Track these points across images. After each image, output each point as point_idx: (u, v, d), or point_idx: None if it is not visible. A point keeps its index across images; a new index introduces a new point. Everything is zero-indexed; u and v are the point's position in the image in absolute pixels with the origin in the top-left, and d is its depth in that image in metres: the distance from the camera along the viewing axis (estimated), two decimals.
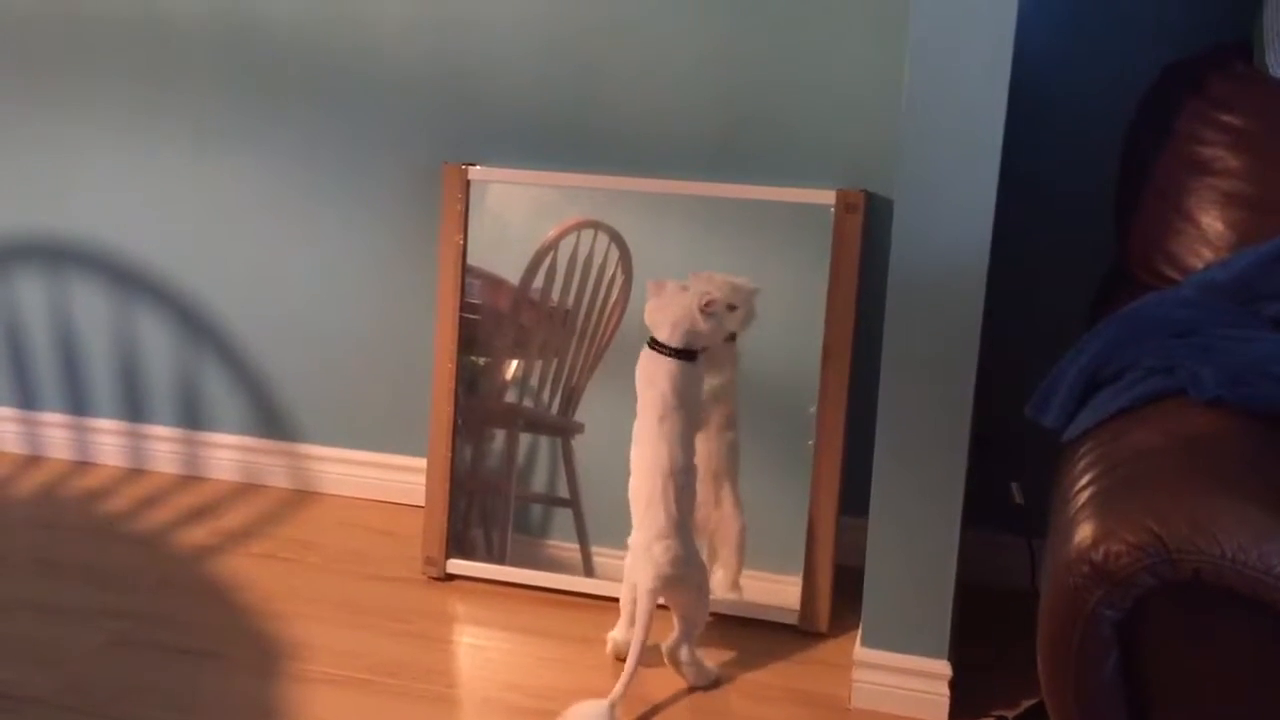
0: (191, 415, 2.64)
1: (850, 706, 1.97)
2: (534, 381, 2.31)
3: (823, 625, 2.13)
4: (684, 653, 1.98)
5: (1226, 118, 1.69)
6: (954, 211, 1.69)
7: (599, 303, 2.27)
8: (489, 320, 2.31)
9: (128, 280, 2.59)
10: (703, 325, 1.96)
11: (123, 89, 2.50)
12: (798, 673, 2.06)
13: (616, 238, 2.24)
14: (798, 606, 2.14)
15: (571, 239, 2.26)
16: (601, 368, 2.26)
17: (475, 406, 2.32)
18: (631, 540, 1.98)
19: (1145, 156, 1.77)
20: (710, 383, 2.09)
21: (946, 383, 1.78)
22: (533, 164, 2.28)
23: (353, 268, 2.47)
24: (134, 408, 2.67)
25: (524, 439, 2.32)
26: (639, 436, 1.97)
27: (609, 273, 2.25)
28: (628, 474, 1.99)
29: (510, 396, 2.33)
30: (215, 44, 2.42)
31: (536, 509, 2.34)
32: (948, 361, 1.77)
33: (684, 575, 1.94)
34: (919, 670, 1.92)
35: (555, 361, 2.30)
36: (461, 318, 2.29)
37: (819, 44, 2.12)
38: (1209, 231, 1.66)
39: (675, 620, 1.98)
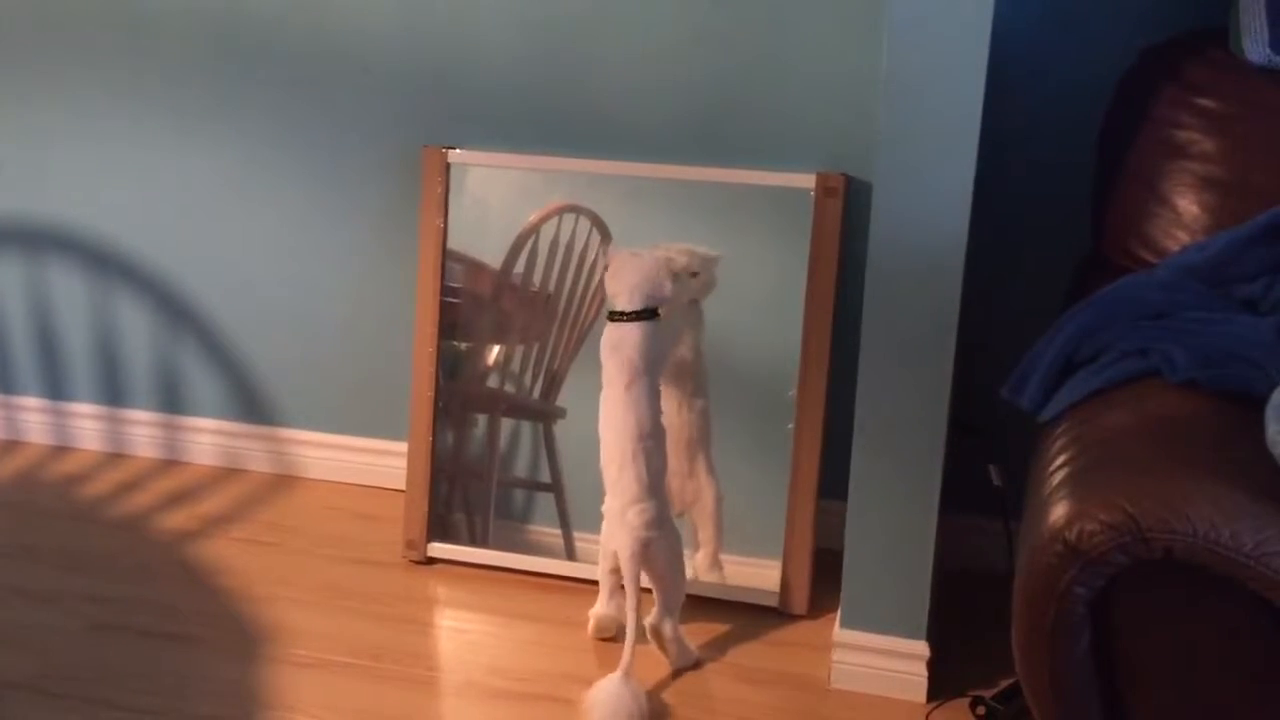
0: (171, 400, 2.64)
1: (830, 687, 1.98)
2: (515, 366, 2.31)
3: (802, 607, 2.15)
4: (667, 628, 1.99)
5: (1202, 101, 1.70)
6: (933, 195, 1.70)
7: (580, 287, 2.27)
8: (470, 305, 2.31)
9: (106, 265, 2.58)
10: (666, 285, 1.99)
11: (100, 74, 2.48)
12: (777, 654, 2.07)
13: (598, 222, 2.24)
14: (777, 589, 2.15)
15: (553, 223, 2.26)
16: (583, 352, 2.26)
17: (457, 391, 2.32)
18: (605, 508, 1.99)
19: (1122, 140, 1.78)
20: (678, 352, 2.11)
21: (925, 366, 1.79)
22: (513, 147, 2.27)
23: (333, 252, 2.46)
24: (113, 392, 2.66)
25: (506, 424, 2.33)
26: (606, 407, 1.99)
27: (591, 258, 2.25)
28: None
29: (492, 382, 2.33)
30: (193, 28, 2.41)
31: (519, 494, 2.34)
32: (926, 345, 1.78)
33: (660, 537, 1.95)
34: (898, 651, 1.93)
35: (536, 346, 2.30)
36: (442, 302, 2.28)
37: (799, 26, 2.12)
38: (1184, 215, 1.67)
39: (655, 593, 1.98)
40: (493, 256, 2.29)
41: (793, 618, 2.15)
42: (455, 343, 2.32)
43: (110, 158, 2.52)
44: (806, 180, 2.11)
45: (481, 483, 2.33)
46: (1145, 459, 1.23)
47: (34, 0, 2.47)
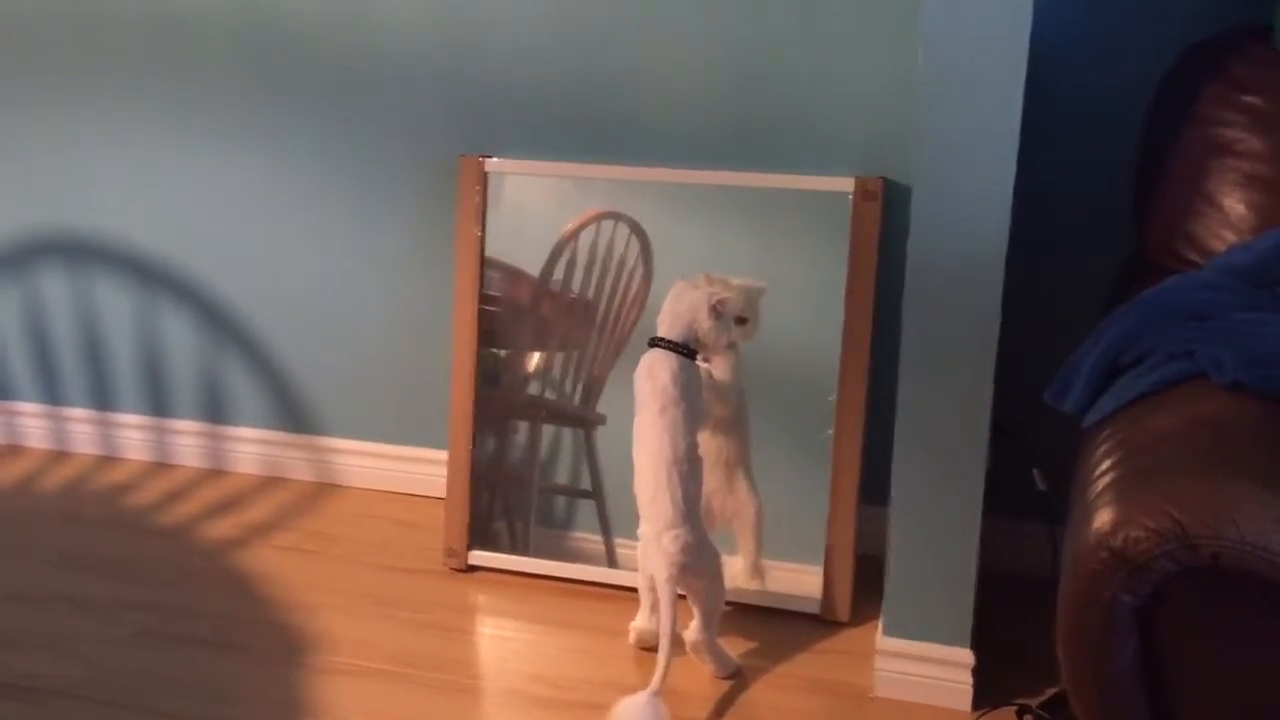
0: (215, 409, 2.66)
1: (873, 695, 1.96)
2: (555, 374, 2.32)
3: (844, 614, 2.13)
4: (706, 641, 1.98)
5: (1247, 99, 1.67)
6: (972, 198, 1.68)
7: (620, 294, 2.27)
8: (508, 312, 2.31)
9: (150, 276, 2.61)
10: (705, 324, 1.97)
11: (143, 87, 2.51)
12: (820, 662, 2.06)
13: (637, 229, 2.24)
14: (819, 595, 2.14)
15: (591, 230, 2.26)
16: (622, 359, 2.26)
17: (497, 399, 2.32)
18: (641, 531, 1.98)
19: (1165, 139, 1.75)
20: (718, 384, 2.09)
21: (966, 369, 1.77)
22: (550, 155, 2.28)
23: (372, 261, 2.48)
24: (158, 402, 2.69)
25: (547, 431, 2.33)
26: (640, 433, 1.98)
27: (630, 264, 2.25)
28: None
29: (532, 389, 2.33)
30: (233, 41, 2.43)
31: (560, 501, 2.34)
32: (967, 348, 1.76)
33: (696, 562, 1.94)
34: (941, 659, 1.91)
35: (576, 354, 2.30)
36: (480, 310, 2.29)
37: (835, 32, 2.11)
38: (1230, 214, 1.65)
39: (694, 608, 1.98)
40: (530, 264, 2.29)
41: (835, 625, 2.13)
42: (495, 350, 2.32)
43: (152, 169, 2.55)
44: (845, 184, 2.10)
45: (522, 490, 2.33)
46: (1192, 463, 1.21)
47: (82, 18, 2.51)
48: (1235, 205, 1.64)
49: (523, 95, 2.30)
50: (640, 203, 2.23)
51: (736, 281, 2.05)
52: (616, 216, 2.24)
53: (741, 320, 2.06)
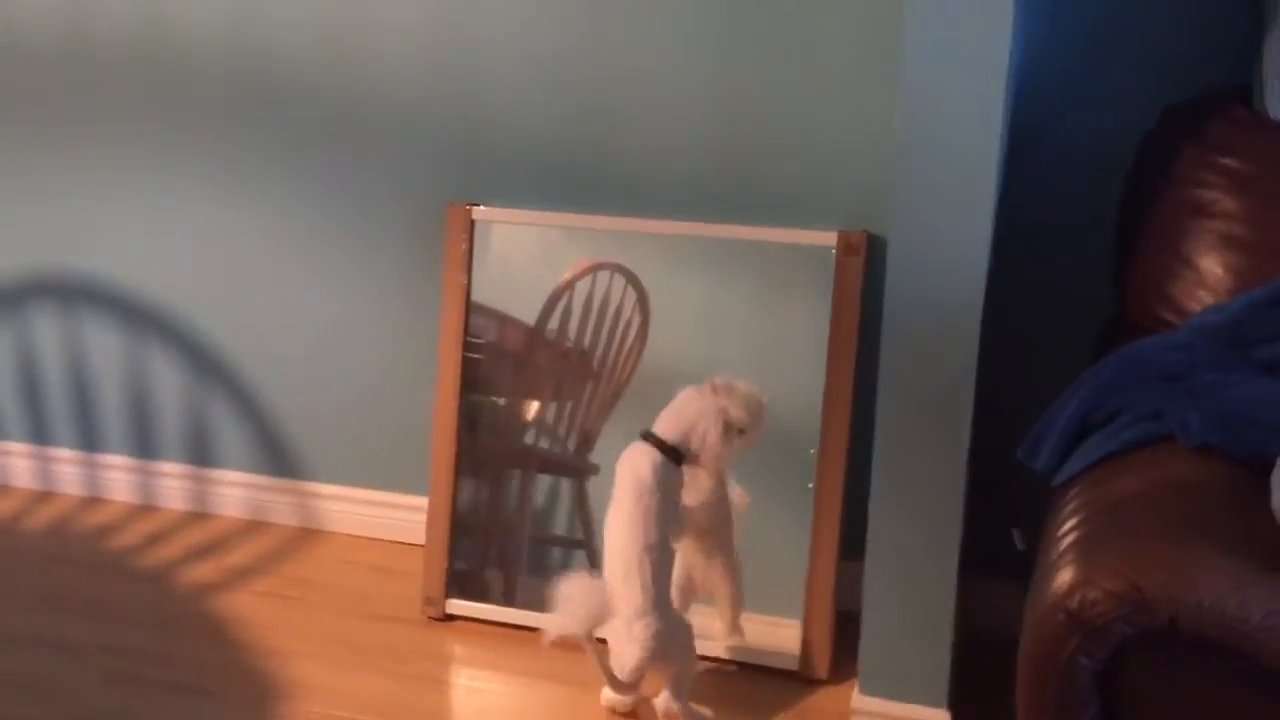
0: (200, 452, 2.66)
1: None
2: (549, 422, 2.30)
3: (822, 672, 2.10)
4: (679, 708, 1.96)
5: (1226, 161, 1.67)
6: (948, 251, 1.68)
7: (616, 344, 2.26)
8: (500, 360, 2.31)
9: (139, 318, 2.61)
10: (714, 437, 1.95)
11: (133, 131, 2.53)
12: None
13: (634, 280, 2.23)
14: (798, 652, 2.11)
15: (588, 280, 2.25)
16: (617, 410, 2.25)
17: (490, 447, 2.31)
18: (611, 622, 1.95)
19: (1145, 200, 1.75)
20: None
21: (943, 424, 1.75)
22: (538, 204, 2.28)
23: (361, 306, 2.48)
24: (144, 444, 2.69)
25: (543, 480, 2.31)
26: (613, 520, 1.96)
27: (626, 314, 2.24)
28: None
29: (527, 438, 2.31)
30: (225, 87, 2.45)
31: (557, 552, 2.32)
32: (944, 403, 1.75)
33: (667, 648, 1.92)
34: (918, 719, 1.88)
35: (570, 403, 2.29)
36: (465, 357, 2.29)
37: (821, 85, 2.11)
38: (1207, 275, 1.64)
39: (666, 682, 1.95)
40: (518, 312, 2.29)
41: (813, 682, 2.10)
42: (493, 399, 2.31)
43: (144, 214, 2.56)
44: (829, 238, 2.10)
45: (513, 539, 2.31)
46: (1153, 526, 1.20)
47: (74, 61, 2.53)
48: (1212, 266, 1.63)
49: (513, 144, 2.31)
50: (625, 252, 2.24)
51: (742, 387, 2.01)
52: (614, 268, 2.24)
53: (741, 432, 2.01)
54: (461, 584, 2.31)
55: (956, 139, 1.64)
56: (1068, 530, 1.27)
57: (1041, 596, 1.20)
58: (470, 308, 2.29)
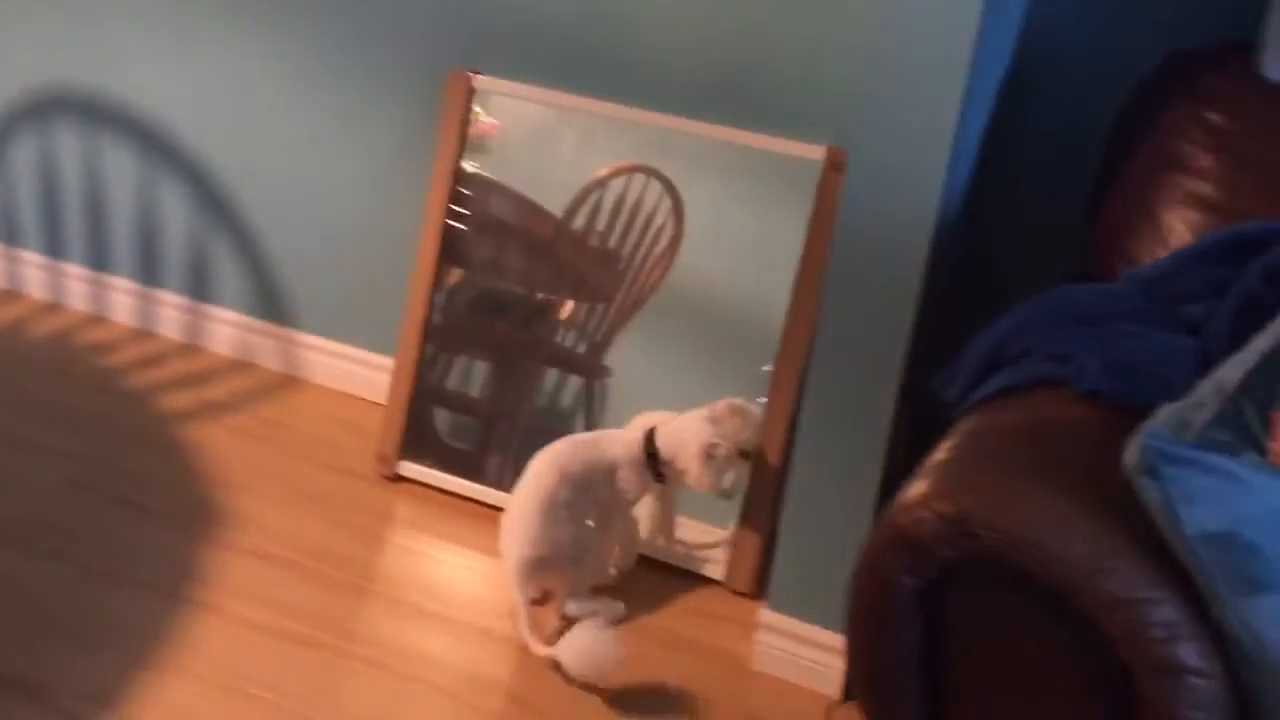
0: (200, 286, 2.71)
1: (750, 667, 1.94)
2: (565, 318, 2.29)
3: (744, 585, 2.09)
4: (572, 608, 1.98)
5: (1209, 116, 1.59)
6: (904, 173, 1.63)
7: (644, 250, 2.23)
8: (500, 239, 2.29)
9: (154, 147, 2.65)
10: (689, 463, 1.96)
11: None
12: (709, 626, 2.03)
13: (670, 188, 2.20)
14: (726, 562, 2.11)
15: (622, 181, 2.22)
16: (638, 318, 2.23)
17: (500, 334, 2.32)
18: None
19: (1127, 148, 1.68)
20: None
21: (880, 344, 1.71)
22: (540, 80, 2.25)
23: (366, 160, 2.48)
24: (149, 270, 2.74)
25: (554, 376, 2.31)
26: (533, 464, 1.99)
27: (659, 221, 2.21)
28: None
29: (540, 329, 2.31)
30: None
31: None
32: (883, 321, 1.70)
33: (550, 559, 1.93)
34: (820, 641, 1.88)
35: (589, 303, 2.27)
36: (448, 225, 2.29)
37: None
38: (1168, 233, 1.57)
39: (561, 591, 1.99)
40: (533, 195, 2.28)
41: (737, 594, 2.10)
42: (513, 287, 2.32)
43: (166, 45, 2.58)
44: (817, 152, 2.05)
45: (513, 426, 2.31)
46: (1002, 458, 1.16)
47: None
48: (1174, 223, 1.56)
49: (522, 18, 2.27)
50: (619, 142, 2.21)
51: (747, 414, 2.04)
52: (650, 172, 2.20)
53: (744, 454, 2.04)
54: (444, 457, 2.31)
55: (926, 53, 1.57)
56: (935, 455, 1.24)
57: (883, 513, 1.17)
58: (463, 177, 2.29)
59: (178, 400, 2.54)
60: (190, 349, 2.74)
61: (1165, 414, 1.12)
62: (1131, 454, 1.07)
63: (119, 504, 2.17)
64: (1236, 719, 1.07)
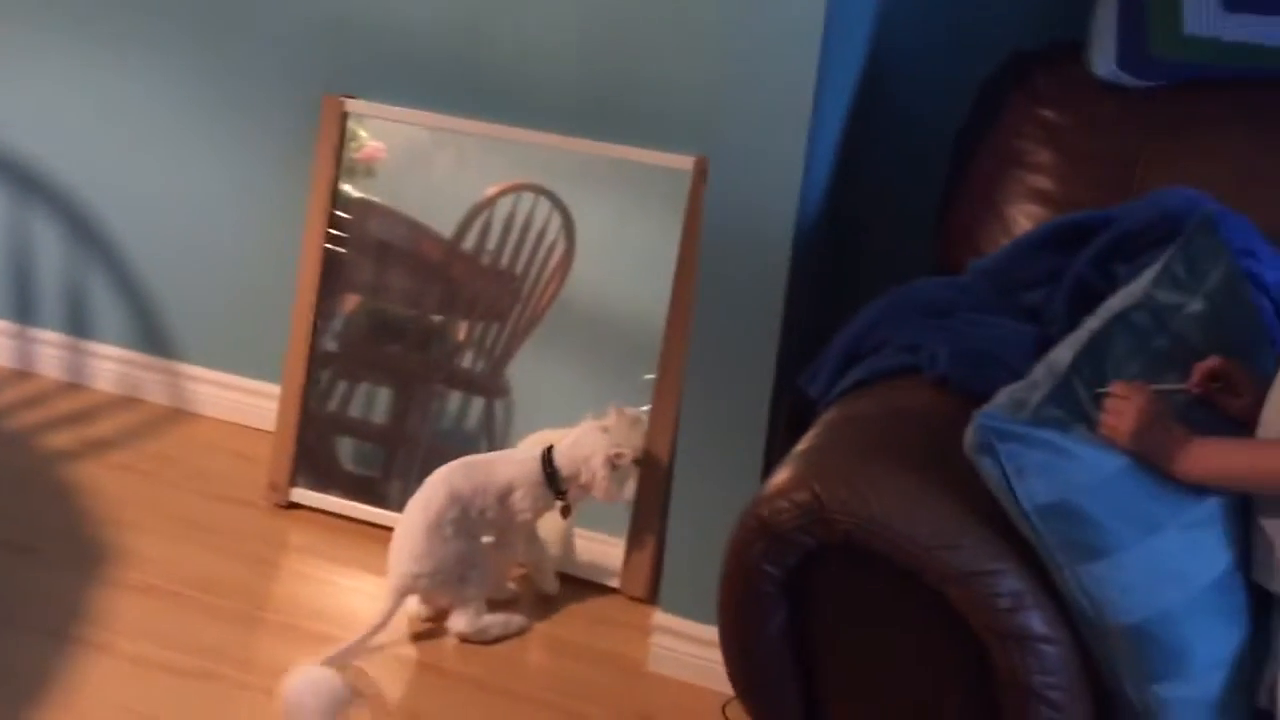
0: (79, 323, 2.67)
1: (646, 670, 1.97)
2: (461, 338, 2.30)
3: (639, 591, 2.13)
4: (462, 624, 1.99)
5: (1045, 113, 1.67)
6: (762, 176, 1.67)
7: (536, 269, 2.26)
8: (416, 270, 2.30)
9: (22, 180, 2.61)
10: (601, 472, 1.98)
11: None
12: (605, 633, 2.06)
13: (559, 205, 2.23)
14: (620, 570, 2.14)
15: (510, 200, 2.24)
16: (534, 335, 2.25)
17: (395, 357, 2.32)
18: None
19: (973, 145, 1.75)
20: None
21: (752, 348, 1.76)
22: (413, 103, 2.28)
23: (242, 193, 2.48)
24: (23, 309, 2.70)
25: (458, 399, 2.31)
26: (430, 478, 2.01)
27: (549, 239, 2.24)
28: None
29: (438, 352, 2.32)
30: None
31: None
32: (753, 326, 1.75)
33: (433, 573, 1.95)
34: (711, 640, 1.88)
35: (485, 322, 2.28)
36: (328, 250, 2.30)
37: (692, 8, 2.09)
38: (1012, 226, 1.65)
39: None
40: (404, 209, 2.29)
41: (633, 600, 2.14)
42: (403, 309, 2.32)
43: (24, 77, 2.55)
44: (685, 162, 2.10)
45: (414, 449, 2.31)
46: (854, 445, 1.22)
47: None
48: (1016, 216, 1.64)
49: (394, 40, 2.29)
50: (490, 157, 2.23)
51: (637, 418, 2.07)
52: (538, 190, 2.23)
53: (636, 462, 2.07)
54: (347, 484, 2.31)
55: (776, 56, 1.62)
56: (797, 446, 1.29)
57: (747, 504, 1.22)
58: (343, 201, 2.30)
59: (62, 440, 2.50)
60: (72, 387, 2.70)
61: (1003, 395, 1.18)
62: (970, 435, 1.12)
63: (4, 548, 2.14)
64: (1084, 681, 1.13)
